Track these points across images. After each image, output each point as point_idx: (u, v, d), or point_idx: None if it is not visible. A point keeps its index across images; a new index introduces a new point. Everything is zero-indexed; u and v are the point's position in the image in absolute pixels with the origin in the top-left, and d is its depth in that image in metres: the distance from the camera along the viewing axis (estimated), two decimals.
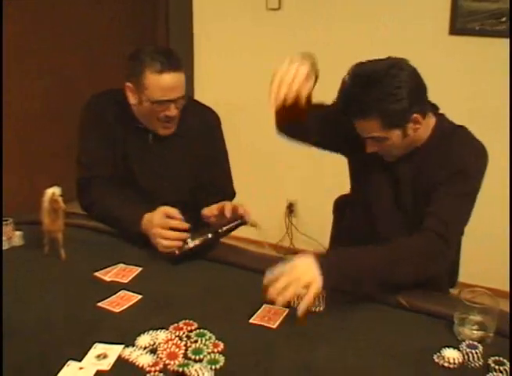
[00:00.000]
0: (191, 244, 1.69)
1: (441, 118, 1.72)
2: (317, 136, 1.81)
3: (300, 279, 1.39)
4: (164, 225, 1.71)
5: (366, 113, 1.55)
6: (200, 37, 3.56)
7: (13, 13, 3.54)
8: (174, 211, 1.75)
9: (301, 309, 1.36)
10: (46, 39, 3.82)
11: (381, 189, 1.77)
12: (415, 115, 1.58)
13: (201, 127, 2.02)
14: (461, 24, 2.88)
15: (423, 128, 1.65)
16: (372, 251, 1.54)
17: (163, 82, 1.81)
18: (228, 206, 1.81)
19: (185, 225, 1.72)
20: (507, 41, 2.77)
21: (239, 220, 1.80)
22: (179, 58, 1.88)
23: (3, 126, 3.48)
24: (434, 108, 1.72)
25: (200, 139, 2.01)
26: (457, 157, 1.64)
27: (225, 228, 1.77)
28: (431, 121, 1.69)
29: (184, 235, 1.69)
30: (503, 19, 2.79)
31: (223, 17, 3.47)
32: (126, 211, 1.84)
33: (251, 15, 3.38)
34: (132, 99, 1.89)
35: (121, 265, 1.66)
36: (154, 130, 1.94)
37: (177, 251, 1.68)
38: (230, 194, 2.11)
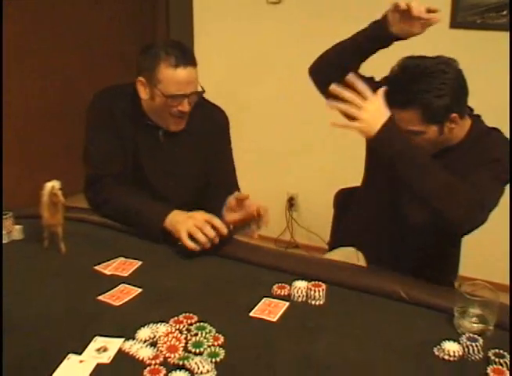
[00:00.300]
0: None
1: (477, 120, 1.76)
2: None
3: (367, 106, 1.48)
4: (210, 220, 1.70)
5: (410, 103, 1.59)
6: (200, 32, 3.56)
7: (13, 13, 3.54)
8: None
9: None
10: (46, 39, 3.82)
11: None
12: (454, 115, 1.61)
13: (211, 126, 2.01)
14: (462, 18, 2.87)
15: (459, 128, 1.68)
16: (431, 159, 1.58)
17: (178, 76, 1.80)
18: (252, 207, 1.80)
19: (226, 231, 1.72)
20: (508, 34, 2.77)
21: (250, 222, 1.80)
22: (193, 53, 1.87)
23: (3, 126, 3.48)
24: (469, 110, 1.75)
25: (209, 138, 2.01)
26: (493, 150, 1.67)
27: (234, 227, 1.79)
28: (467, 122, 1.72)
29: (217, 239, 1.69)
30: (504, 12, 2.78)
31: (223, 12, 3.46)
32: (148, 207, 1.82)
33: (251, 9, 3.37)
34: (144, 94, 1.88)
35: (121, 259, 1.66)
36: (165, 126, 1.92)
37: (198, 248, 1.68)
38: (235, 191, 2.10)
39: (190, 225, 1.69)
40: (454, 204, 1.52)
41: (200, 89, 1.89)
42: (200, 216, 1.72)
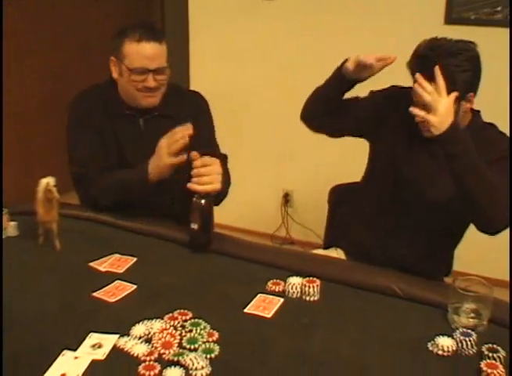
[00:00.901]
0: (194, 226, 1.69)
1: (477, 114, 1.83)
2: (350, 121, 1.95)
3: (443, 100, 1.56)
4: (170, 135, 1.76)
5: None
6: (196, 30, 3.55)
7: (13, 13, 3.53)
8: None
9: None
10: (46, 39, 3.81)
11: (422, 165, 1.83)
12: (471, 93, 1.69)
13: (191, 110, 2.03)
14: (457, 14, 2.87)
15: (466, 116, 1.76)
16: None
17: (141, 50, 1.84)
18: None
19: (184, 130, 1.75)
20: (502, 30, 2.77)
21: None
22: (160, 31, 1.92)
23: (3, 125, 3.47)
24: None
25: (191, 120, 2.01)
26: (499, 146, 1.73)
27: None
28: (470, 114, 1.79)
29: (186, 131, 1.73)
30: (499, 8, 2.78)
31: (218, 9, 3.45)
32: (131, 172, 1.87)
33: (247, 6, 3.36)
34: (115, 73, 1.93)
35: (116, 256, 1.66)
36: (137, 103, 1.93)
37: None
38: (224, 157, 2.11)
39: (166, 151, 1.75)
40: (497, 204, 1.62)
41: (166, 64, 1.91)
42: (162, 145, 1.77)
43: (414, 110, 1.60)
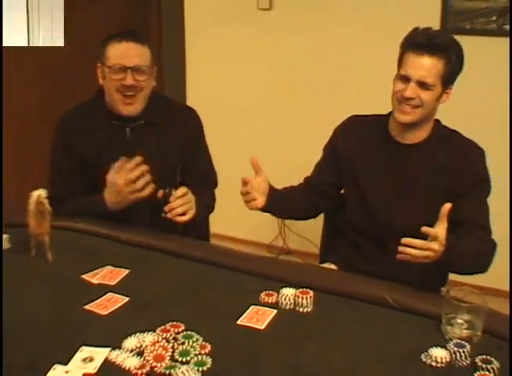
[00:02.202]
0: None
1: (438, 122, 1.84)
2: (333, 189, 2.06)
3: (435, 247, 1.49)
4: (128, 179, 1.82)
5: (439, 51, 1.69)
6: (191, 37, 3.56)
7: None
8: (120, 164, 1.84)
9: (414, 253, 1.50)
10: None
11: (380, 177, 1.85)
12: (451, 86, 1.75)
13: (183, 127, 2.04)
14: (452, 23, 2.88)
15: (432, 116, 1.79)
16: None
17: (120, 48, 1.91)
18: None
19: (139, 170, 1.82)
20: (497, 39, 2.79)
21: None
22: (143, 36, 1.98)
23: (3, 126, 3.48)
24: None
25: (181, 139, 2.03)
26: (476, 168, 1.78)
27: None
28: (432, 122, 1.81)
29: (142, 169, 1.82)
30: (493, 17, 2.80)
31: (214, 17, 3.46)
32: (90, 202, 1.93)
33: (242, 15, 3.37)
34: (100, 79, 1.96)
35: (109, 268, 1.65)
36: (117, 109, 1.95)
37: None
38: (214, 183, 2.18)
39: (126, 190, 1.82)
40: (483, 260, 1.71)
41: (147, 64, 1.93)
42: (118, 181, 1.83)
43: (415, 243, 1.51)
